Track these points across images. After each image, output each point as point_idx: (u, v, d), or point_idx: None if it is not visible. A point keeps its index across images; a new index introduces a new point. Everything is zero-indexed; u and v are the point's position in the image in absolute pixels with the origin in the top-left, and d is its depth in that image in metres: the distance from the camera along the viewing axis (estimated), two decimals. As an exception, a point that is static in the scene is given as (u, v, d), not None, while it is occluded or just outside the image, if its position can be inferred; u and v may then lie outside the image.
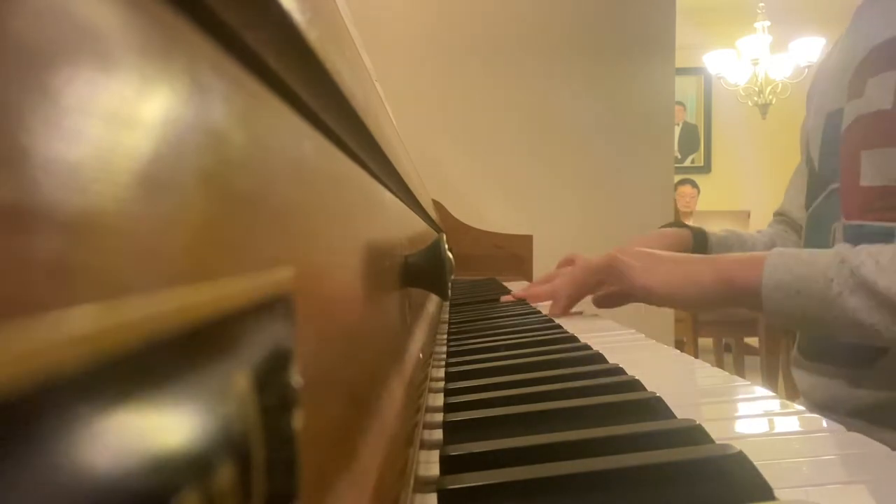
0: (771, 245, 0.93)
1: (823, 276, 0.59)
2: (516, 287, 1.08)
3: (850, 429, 0.34)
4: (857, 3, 0.80)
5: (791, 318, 0.63)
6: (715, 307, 0.69)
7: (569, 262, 0.94)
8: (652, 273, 0.71)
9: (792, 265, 0.62)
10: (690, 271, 0.69)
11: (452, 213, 1.78)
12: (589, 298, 0.85)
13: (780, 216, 0.98)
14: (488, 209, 1.87)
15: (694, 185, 4.03)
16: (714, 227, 0.99)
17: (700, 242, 0.93)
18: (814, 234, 0.80)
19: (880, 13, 0.72)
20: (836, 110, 0.75)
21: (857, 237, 0.69)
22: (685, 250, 0.91)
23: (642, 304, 0.85)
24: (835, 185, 0.75)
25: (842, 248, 0.61)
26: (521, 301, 0.95)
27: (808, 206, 0.82)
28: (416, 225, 0.68)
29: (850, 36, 0.79)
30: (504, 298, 0.98)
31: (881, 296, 0.56)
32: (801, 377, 0.78)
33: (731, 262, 0.68)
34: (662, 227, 0.98)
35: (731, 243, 0.95)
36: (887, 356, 0.66)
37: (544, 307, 0.90)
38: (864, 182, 0.69)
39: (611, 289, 0.82)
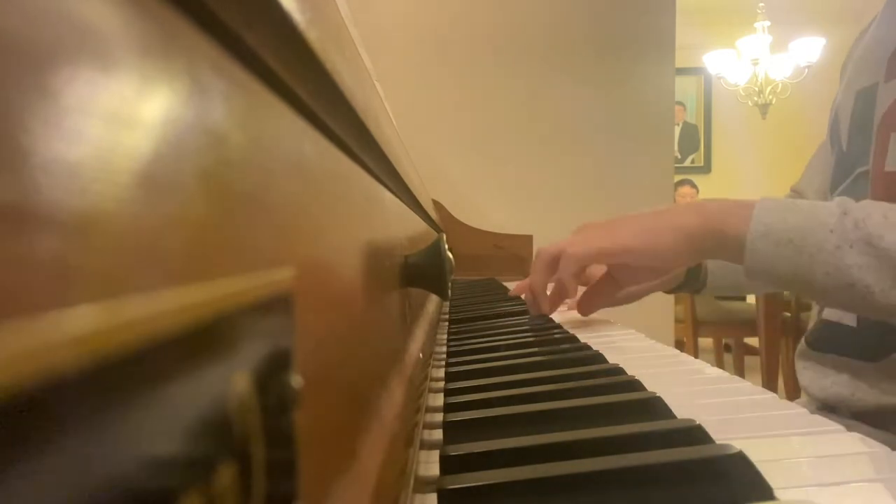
0: None
1: (822, 226, 0.53)
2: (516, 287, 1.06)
3: (852, 430, 0.34)
4: None
5: (774, 272, 0.56)
6: (697, 258, 0.61)
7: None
8: (623, 228, 0.64)
9: (786, 213, 0.55)
10: (671, 218, 0.61)
11: (452, 213, 1.78)
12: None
13: (794, 194, 0.91)
14: (488, 209, 1.87)
15: (693, 185, 4.04)
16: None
17: None
18: None
19: None
20: (869, 86, 0.70)
21: None
22: None
23: (643, 303, 0.84)
24: (863, 168, 0.69)
25: (844, 200, 0.55)
26: (523, 302, 0.95)
27: (832, 190, 0.75)
28: (416, 225, 0.68)
29: (889, 12, 0.72)
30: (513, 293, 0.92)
31: (885, 252, 0.51)
32: (804, 371, 0.77)
33: (719, 205, 0.60)
34: None
35: None
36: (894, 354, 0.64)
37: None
38: (889, 167, 0.64)
39: (592, 285, 0.74)
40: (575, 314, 0.79)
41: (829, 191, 0.78)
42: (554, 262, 0.69)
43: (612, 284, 0.72)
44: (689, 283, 0.87)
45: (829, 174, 0.80)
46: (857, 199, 0.69)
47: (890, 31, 0.70)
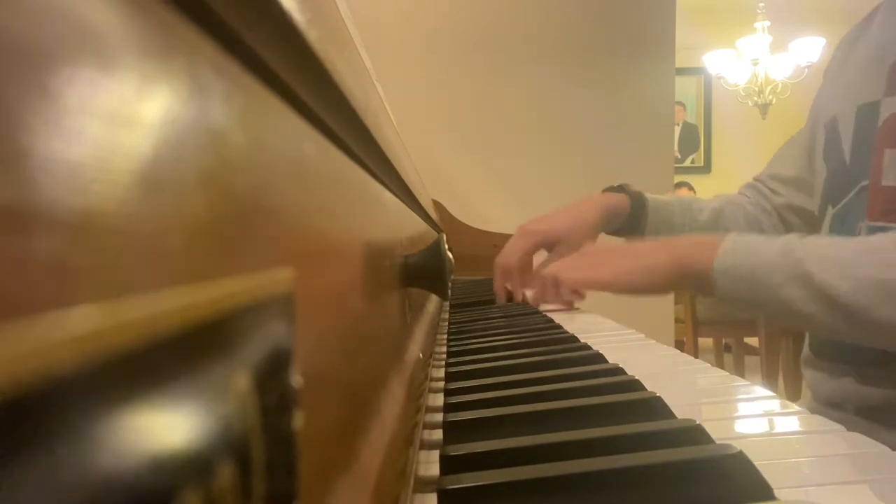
0: (719, 212, 0.96)
1: (769, 265, 0.63)
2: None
3: (856, 428, 0.34)
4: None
5: (740, 302, 0.66)
6: (671, 290, 0.73)
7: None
8: (606, 266, 0.74)
9: (743, 252, 0.65)
10: (645, 258, 0.71)
11: (452, 213, 1.77)
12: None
13: (756, 182, 0.97)
14: (488, 209, 1.87)
15: (690, 188, 4.04)
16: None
17: (637, 207, 0.95)
18: (839, 232, 0.77)
19: None
20: (871, 103, 0.73)
21: None
22: (622, 215, 0.95)
23: (643, 304, 0.85)
24: (865, 183, 0.72)
25: (792, 239, 0.64)
26: (523, 303, 0.95)
27: (834, 203, 0.79)
28: (416, 225, 0.68)
29: (889, 21, 0.74)
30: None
31: (817, 288, 0.59)
32: (811, 374, 0.78)
33: (687, 245, 0.70)
34: (605, 190, 1.00)
35: (672, 209, 0.96)
36: None
37: (544, 307, 0.90)
38: (886, 182, 0.68)
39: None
40: (573, 314, 0.81)
41: (829, 203, 0.80)
42: (555, 284, 0.81)
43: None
44: (629, 228, 0.96)
45: (805, 175, 0.85)
46: (859, 211, 0.74)
47: (888, 47, 0.72)
